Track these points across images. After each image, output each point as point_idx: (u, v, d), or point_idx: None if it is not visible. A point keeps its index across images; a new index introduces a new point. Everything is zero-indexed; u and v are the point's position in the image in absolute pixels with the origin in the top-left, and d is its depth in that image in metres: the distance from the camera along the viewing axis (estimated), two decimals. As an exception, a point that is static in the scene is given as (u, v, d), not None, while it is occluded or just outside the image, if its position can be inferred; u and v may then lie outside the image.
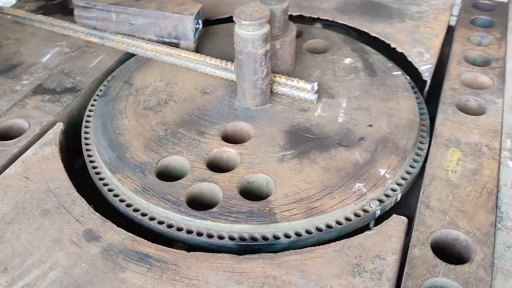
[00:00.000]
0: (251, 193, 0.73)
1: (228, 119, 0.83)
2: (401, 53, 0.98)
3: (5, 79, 0.95)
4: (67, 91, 0.91)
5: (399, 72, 0.92)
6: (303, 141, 0.79)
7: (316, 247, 0.64)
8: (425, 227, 0.65)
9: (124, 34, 0.97)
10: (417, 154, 0.78)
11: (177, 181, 0.73)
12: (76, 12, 0.97)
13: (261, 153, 0.77)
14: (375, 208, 0.70)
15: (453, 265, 0.61)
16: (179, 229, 0.68)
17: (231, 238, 0.66)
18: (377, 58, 0.96)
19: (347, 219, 0.69)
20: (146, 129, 0.81)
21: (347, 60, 0.95)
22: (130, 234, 0.65)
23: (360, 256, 0.62)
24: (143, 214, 0.70)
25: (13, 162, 0.77)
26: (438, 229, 0.65)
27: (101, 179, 0.76)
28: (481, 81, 0.92)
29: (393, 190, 0.72)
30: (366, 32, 1.04)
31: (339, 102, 0.86)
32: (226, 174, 0.74)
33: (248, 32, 0.74)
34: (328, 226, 0.68)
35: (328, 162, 0.74)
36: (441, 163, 0.74)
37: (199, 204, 0.72)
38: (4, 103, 0.89)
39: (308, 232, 0.67)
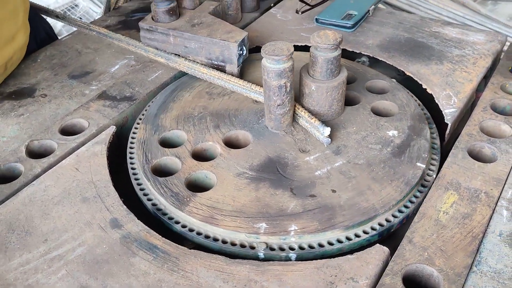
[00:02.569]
0: (199, 184, 0.88)
1: (244, 127, 0.96)
2: (431, 94, 1.03)
3: (78, 83, 1.13)
4: (125, 99, 1.06)
5: (423, 166, 0.86)
6: (270, 171, 0.86)
7: (299, 262, 0.72)
8: (402, 260, 0.71)
9: (179, 55, 1.10)
10: (419, 191, 0.84)
11: (165, 148, 0.92)
12: (141, 33, 1.12)
13: (233, 161, 0.88)
14: (257, 251, 0.75)
15: (417, 297, 0.66)
16: (191, 230, 0.79)
17: (153, 204, 0.81)
18: (421, 143, 0.91)
19: (232, 243, 0.78)
20: (190, 106, 1.02)
21: (391, 132, 0.93)
22: (146, 227, 0.78)
23: (336, 276, 0.70)
24: (164, 214, 0.83)
25: (70, 155, 0.92)
26: (413, 263, 0.71)
27: (136, 179, 0.90)
28: (502, 130, 0.94)
29: (284, 247, 0.76)
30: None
31: (337, 160, 0.88)
32: (197, 162, 0.89)
33: (266, 64, 0.84)
34: (214, 239, 0.77)
35: (264, 196, 0.81)
36: (435, 203, 0.79)
37: (162, 171, 0.90)
38: (73, 103, 1.06)
39: (198, 233, 0.80)
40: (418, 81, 1.06)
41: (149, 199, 0.85)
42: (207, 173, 0.86)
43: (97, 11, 3.94)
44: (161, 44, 1.12)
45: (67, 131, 0.99)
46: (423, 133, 0.93)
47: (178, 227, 0.80)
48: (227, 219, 0.78)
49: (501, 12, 3.55)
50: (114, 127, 0.99)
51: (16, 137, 0.99)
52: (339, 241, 0.76)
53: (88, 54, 1.23)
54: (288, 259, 0.75)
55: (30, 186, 0.86)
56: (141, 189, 0.87)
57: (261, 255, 0.75)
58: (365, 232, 0.78)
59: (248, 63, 1.13)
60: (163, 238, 0.76)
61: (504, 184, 0.82)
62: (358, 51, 1.17)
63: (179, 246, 0.75)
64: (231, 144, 0.93)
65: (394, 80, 1.07)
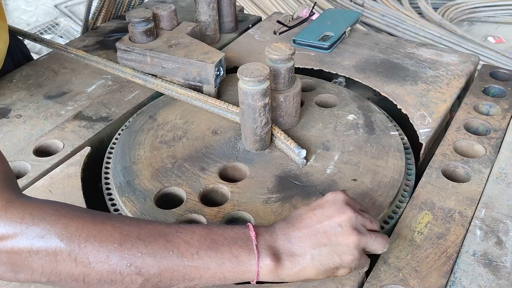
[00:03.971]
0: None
1: (229, 159, 0.93)
2: (405, 115, 1.04)
3: (54, 104, 1.12)
4: (101, 119, 1.05)
5: (396, 133, 0.98)
6: (290, 186, 0.87)
7: (275, 284, 0.72)
8: (377, 281, 0.71)
9: (156, 76, 1.10)
10: (393, 212, 0.84)
11: (171, 210, 0.83)
12: (118, 53, 1.12)
13: (250, 192, 0.86)
14: None
15: (392, 319, 0.66)
16: (163, 252, 0.78)
17: None
18: (379, 117, 1.03)
19: None
20: (156, 161, 0.93)
21: (350, 117, 1.02)
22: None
23: (311, 299, 0.69)
24: (137, 235, 0.81)
25: (43, 177, 0.91)
26: (388, 284, 0.71)
27: (110, 199, 0.88)
28: (476, 150, 0.96)
29: None
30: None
31: (332, 154, 0.93)
32: (215, 208, 0.84)
33: (248, 87, 0.85)
34: None
35: None
36: (410, 223, 0.80)
37: None
38: (49, 124, 1.05)
39: None
40: (393, 101, 1.08)
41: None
42: (245, 215, 0.82)
43: (77, 30, 3.93)
44: (138, 65, 1.12)
45: (41, 152, 0.98)
46: (371, 108, 1.05)
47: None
48: None
49: (476, 32, 3.65)
50: (89, 148, 0.97)
51: (-11, 159, 0.97)
52: (395, 213, 0.84)
53: (65, 74, 1.22)
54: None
55: (2, 209, 0.84)
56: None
57: None
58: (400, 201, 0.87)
59: (225, 83, 1.14)
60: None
61: (478, 204, 0.83)
62: (334, 72, 1.18)
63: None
64: (230, 179, 0.91)
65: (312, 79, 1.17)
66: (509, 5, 3.64)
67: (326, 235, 0.64)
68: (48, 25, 3.96)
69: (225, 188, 0.87)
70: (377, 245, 0.67)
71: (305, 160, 0.90)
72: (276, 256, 0.63)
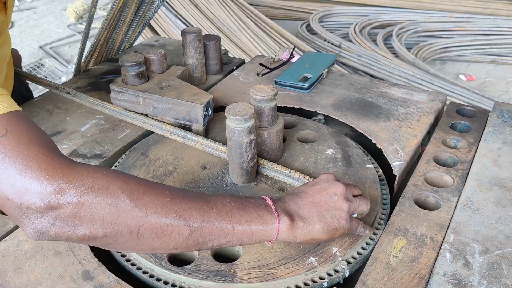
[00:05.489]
0: (222, 256, 0.88)
1: (218, 192, 1.00)
2: (380, 149, 1.13)
3: (50, 142, 1.17)
4: (95, 156, 1.11)
5: (372, 166, 1.07)
6: None
7: (262, 306, 0.77)
8: (357, 301, 0.77)
9: (148, 115, 1.18)
10: (371, 238, 0.91)
11: None
12: (112, 94, 1.19)
13: None
14: (322, 281, 0.83)
15: (371, 335, 0.72)
16: (158, 280, 0.84)
17: None
18: (355, 151, 1.11)
19: (297, 286, 0.82)
20: None
21: (329, 151, 1.10)
22: (117, 278, 0.82)
23: (296, 318, 0.75)
24: (133, 264, 0.87)
25: (42, 211, 0.96)
26: (367, 303, 0.77)
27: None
28: (444, 180, 1.04)
29: (342, 266, 0.85)
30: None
31: None
32: None
33: (235, 125, 0.93)
34: None
35: None
36: (386, 248, 0.87)
37: (179, 260, 0.87)
38: (45, 162, 1.11)
39: None
40: (368, 136, 1.16)
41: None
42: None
43: (62, 70, 4.01)
44: (130, 105, 1.19)
45: (38, 188, 1.03)
46: (348, 143, 1.14)
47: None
48: (281, 269, 0.83)
49: (448, 71, 3.83)
50: (85, 183, 1.03)
51: (-12, 195, 1.02)
52: (372, 239, 0.92)
53: (59, 114, 1.29)
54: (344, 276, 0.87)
55: (3, 242, 0.89)
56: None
57: (326, 284, 0.85)
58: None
59: (212, 121, 1.21)
60: (134, 288, 0.80)
61: (447, 229, 0.91)
62: (314, 110, 1.27)
63: (149, 295, 0.79)
64: None
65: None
66: (478, 45, 3.84)
67: (326, 203, 0.81)
68: (33, 66, 4.03)
69: None
70: (362, 206, 0.86)
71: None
72: (291, 217, 0.78)
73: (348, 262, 0.86)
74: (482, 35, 3.84)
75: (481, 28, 3.84)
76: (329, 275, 0.84)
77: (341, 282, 0.86)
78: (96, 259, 0.85)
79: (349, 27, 3.92)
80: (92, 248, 0.88)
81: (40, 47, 4.46)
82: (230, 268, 0.84)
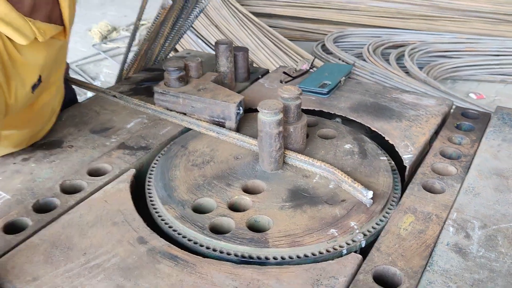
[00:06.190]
0: (256, 228, 1.03)
1: (249, 178, 1.15)
2: (392, 145, 1.27)
3: (100, 137, 1.34)
4: (141, 148, 1.27)
5: (385, 158, 1.21)
6: (300, 197, 1.08)
7: (292, 266, 0.91)
8: (372, 263, 0.91)
9: (186, 114, 1.34)
10: (384, 216, 1.05)
11: (205, 214, 1.04)
12: (155, 96, 1.36)
13: (268, 202, 1.07)
14: (342, 249, 0.97)
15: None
16: (201, 245, 0.98)
17: (235, 255, 0.95)
18: (371, 146, 1.25)
19: (320, 252, 0.96)
20: (190, 179, 1.14)
21: (347, 146, 1.25)
22: (167, 242, 0.96)
23: (321, 275, 0.89)
24: (179, 234, 1.01)
25: (98, 191, 1.11)
26: (381, 265, 0.90)
27: (154, 208, 1.09)
28: (449, 170, 1.18)
29: (358, 237, 0.99)
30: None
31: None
32: (240, 213, 1.04)
33: (266, 118, 1.08)
34: (305, 255, 0.95)
35: (314, 213, 1.03)
36: (397, 223, 1.01)
37: (218, 230, 1.02)
38: (97, 153, 1.27)
39: (290, 257, 0.95)
40: (382, 134, 1.31)
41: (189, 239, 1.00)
42: (265, 218, 1.03)
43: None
44: (171, 105, 1.35)
45: (93, 173, 1.18)
46: (364, 139, 1.28)
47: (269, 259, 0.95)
48: (307, 238, 0.97)
49: (459, 89, 3.97)
50: (134, 170, 1.19)
51: (50, 178, 1.18)
52: (385, 217, 1.05)
53: (106, 114, 1.45)
54: (361, 245, 0.99)
55: (67, 215, 1.04)
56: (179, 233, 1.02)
57: (345, 251, 0.97)
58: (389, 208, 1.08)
59: (242, 120, 1.37)
60: (182, 250, 0.94)
61: (451, 209, 1.04)
62: (332, 112, 1.42)
63: (195, 255, 0.93)
64: (250, 192, 1.11)
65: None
66: (488, 65, 3.98)
67: None
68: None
69: (247, 198, 1.08)
70: None
71: (372, 201, 1.05)
72: None
73: (364, 234, 1.00)
74: (491, 56, 3.98)
75: (490, 49, 3.99)
76: (348, 244, 0.98)
77: (357, 252, 1.00)
78: (148, 228, 1.00)
79: (362, 48, 4.09)
80: (145, 219, 1.02)
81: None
82: (263, 236, 0.98)
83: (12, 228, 1.02)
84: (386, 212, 1.06)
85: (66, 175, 1.18)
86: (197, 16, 1.65)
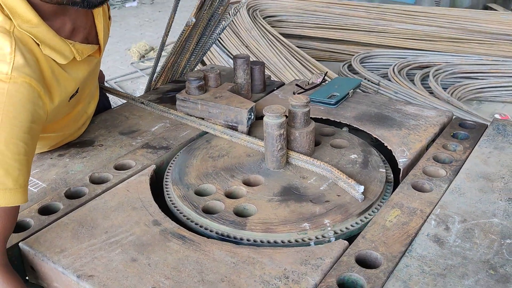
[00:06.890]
0: (243, 214, 1.16)
1: (253, 173, 1.29)
2: (390, 150, 1.38)
3: (127, 138, 1.50)
4: (162, 148, 1.43)
5: (384, 170, 1.28)
6: (290, 194, 1.20)
7: (284, 247, 1.03)
8: (356, 247, 1.02)
9: (203, 119, 1.49)
10: (361, 220, 1.13)
11: (203, 197, 1.20)
12: (177, 102, 1.52)
13: (260, 194, 1.20)
14: (310, 241, 1.07)
15: (364, 268, 0.96)
16: (192, 221, 1.14)
17: (216, 233, 1.10)
18: (375, 158, 1.33)
19: (289, 241, 1.08)
20: (202, 168, 1.30)
21: (353, 156, 1.34)
22: (178, 225, 1.10)
23: (309, 256, 1.00)
24: (178, 210, 1.18)
25: (122, 182, 1.27)
26: (364, 249, 1.01)
27: (166, 188, 1.25)
28: (439, 173, 1.28)
29: (329, 234, 1.09)
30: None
31: (329, 179, 1.24)
32: (232, 200, 1.19)
33: (269, 120, 1.21)
34: (275, 242, 1.08)
35: (296, 208, 1.14)
36: (384, 216, 1.11)
37: (209, 211, 1.16)
38: (123, 151, 1.43)
39: (261, 241, 1.08)
40: (381, 141, 1.42)
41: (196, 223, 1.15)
42: (251, 206, 1.16)
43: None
44: (191, 110, 1.51)
45: (119, 168, 1.34)
46: (372, 152, 1.37)
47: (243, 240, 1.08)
48: (280, 227, 1.09)
49: (484, 110, 3.99)
50: (155, 165, 1.34)
51: (81, 171, 1.34)
52: (362, 221, 1.13)
53: (134, 119, 1.62)
54: (329, 241, 1.08)
55: (94, 201, 1.20)
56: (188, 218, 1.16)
57: (312, 244, 1.07)
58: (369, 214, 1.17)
59: (254, 125, 1.51)
60: (189, 231, 1.08)
61: (435, 206, 1.14)
62: (339, 121, 1.54)
63: (201, 236, 1.07)
64: (249, 184, 1.25)
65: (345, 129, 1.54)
66: (513, 86, 4.00)
67: None
68: (100, 97, 4.50)
69: (243, 189, 1.23)
70: None
71: (363, 196, 1.17)
72: None
73: (335, 232, 1.10)
74: (518, 77, 4.00)
75: (516, 70, 4.01)
76: (317, 238, 1.08)
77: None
78: (163, 213, 1.14)
79: (388, 68, 4.18)
80: (160, 205, 1.17)
81: (106, 81, 4.97)
82: (243, 220, 1.11)
83: (46, 210, 1.18)
84: (365, 217, 1.15)
85: (95, 168, 1.34)
86: (220, 34, 1.81)
